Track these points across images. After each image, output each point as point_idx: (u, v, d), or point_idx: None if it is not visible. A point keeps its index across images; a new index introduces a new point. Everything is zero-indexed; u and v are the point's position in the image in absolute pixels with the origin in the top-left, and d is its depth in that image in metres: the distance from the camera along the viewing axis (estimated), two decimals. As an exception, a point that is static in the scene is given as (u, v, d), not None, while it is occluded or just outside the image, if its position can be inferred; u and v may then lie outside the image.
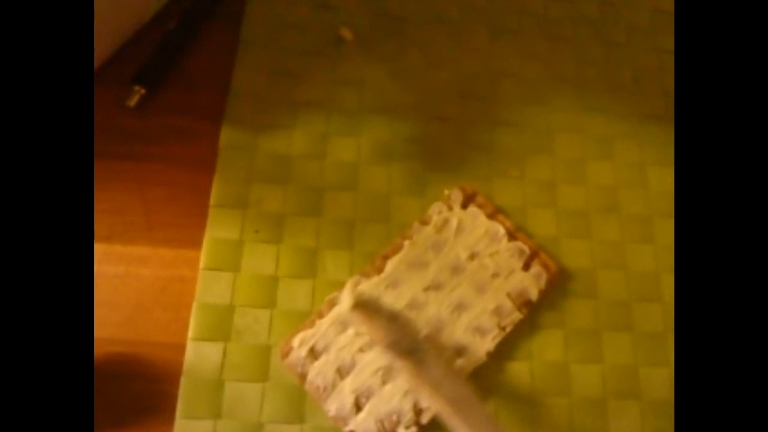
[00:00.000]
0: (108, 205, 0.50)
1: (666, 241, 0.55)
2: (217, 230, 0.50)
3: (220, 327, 0.47)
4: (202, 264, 0.49)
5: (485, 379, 0.47)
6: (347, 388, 0.45)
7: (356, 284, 0.48)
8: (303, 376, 0.45)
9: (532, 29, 0.63)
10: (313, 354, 0.46)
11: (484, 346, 0.47)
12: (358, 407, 0.45)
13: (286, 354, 0.46)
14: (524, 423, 0.47)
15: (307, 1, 0.60)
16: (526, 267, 0.50)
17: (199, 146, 0.53)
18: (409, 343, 0.42)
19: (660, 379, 0.50)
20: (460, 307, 0.48)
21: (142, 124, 0.53)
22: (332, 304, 0.48)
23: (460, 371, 0.46)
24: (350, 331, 0.47)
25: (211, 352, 0.46)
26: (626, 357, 0.50)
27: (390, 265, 0.49)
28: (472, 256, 0.50)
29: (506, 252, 0.51)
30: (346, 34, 0.59)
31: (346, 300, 0.41)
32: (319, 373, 0.45)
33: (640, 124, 0.60)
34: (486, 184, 0.54)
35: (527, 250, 0.51)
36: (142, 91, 0.53)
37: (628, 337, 0.51)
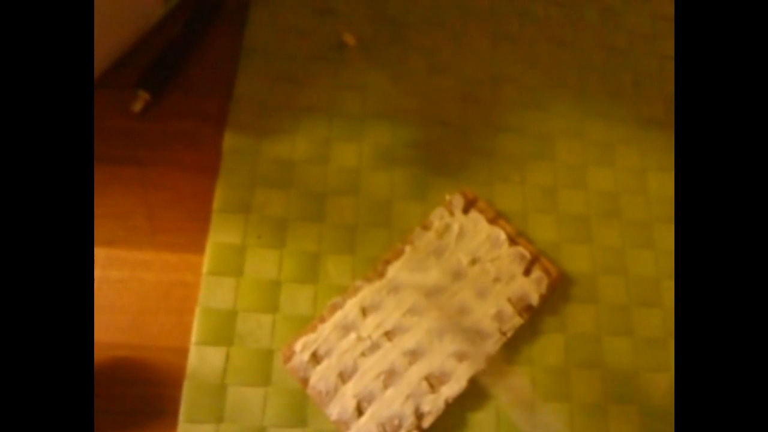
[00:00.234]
0: (111, 210, 0.50)
1: (666, 247, 0.55)
2: (220, 235, 0.50)
3: (223, 331, 0.47)
4: (205, 269, 0.49)
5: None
6: (349, 393, 0.45)
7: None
8: (305, 381, 0.46)
9: (533, 35, 0.63)
10: (315, 358, 0.46)
11: (485, 351, 0.48)
12: (359, 411, 0.45)
13: (288, 358, 0.46)
14: (526, 427, 0.48)
15: (310, 6, 0.61)
16: (527, 272, 0.51)
17: (202, 151, 0.53)
18: None
19: (660, 385, 0.50)
20: (461, 312, 0.49)
21: (146, 128, 0.53)
22: (334, 308, 0.48)
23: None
24: (352, 336, 0.47)
25: (214, 356, 0.47)
26: (626, 362, 0.50)
27: (392, 270, 0.49)
28: (474, 261, 0.50)
29: (507, 257, 0.51)
30: (349, 39, 0.59)
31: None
32: (321, 377, 0.46)
33: (640, 130, 0.60)
34: (487, 189, 0.55)
35: (528, 255, 0.51)
36: (146, 96, 0.53)
37: (628, 342, 0.51)
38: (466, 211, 0.52)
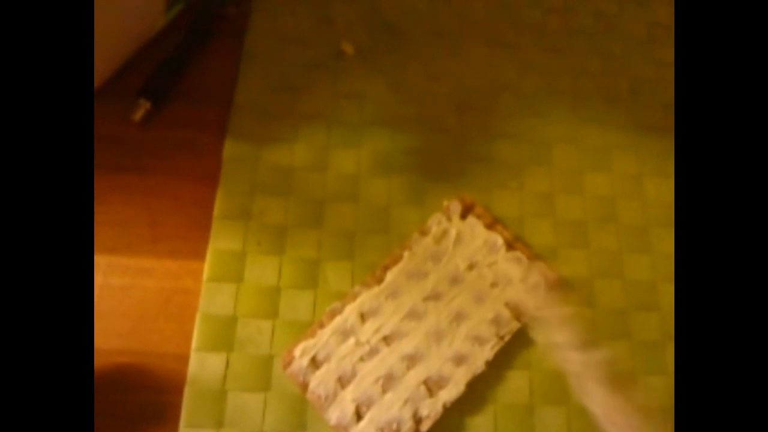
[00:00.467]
0: (113, 218, 0.51)
1: (663, 251, 0.55)
2: (221, 242, 0.51)
3: (223, 337, 0.48)
4: (205, 275, 0.50)
5: (484, 387, 0.48)
6: (348, 397, 0.46)
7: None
8: (305, 386, 0.46)
9: (529, 43, 0.64)
10: (315, 364, 0.47)
11: (483, 355, 0.48)
12: (358, 416, 0.45)
13: (287, 364, 0.47)
14: (523, 431, 0.48)
15: (309, 16, 0.61)
16: (524, 277, 0.51)
17: (203, 159, 0.54)
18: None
19: (657, 387, 0.50)
20: (459, 317, 0.49)
21: (147, 137, 0.54)
22: (333, 314, 0.48)
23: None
24: (351, 341, 0.47)
25: (215, 362, 0.47)
26: (624, 365, 0.51)
27: (390, 275, 0.50)
28: (471, 267, 0.51)
29: (504, 262, 0.51)
30: (347, 48, 0.60)
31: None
32: (320, 382, 0.46)
33: (637, 135, 0.60)
34: (484, 195, 0.55)
35: (525, 260, 0.51)
36: (148, 105, 0.54)
37: (625, 345, 0.51)
38: (463, 216, 0.53)
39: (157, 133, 0.54)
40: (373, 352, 0.47)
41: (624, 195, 0.57)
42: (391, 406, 0.46)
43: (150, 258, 0.50)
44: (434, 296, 0.50)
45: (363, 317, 0.48)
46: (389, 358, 0.47)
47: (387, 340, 0.48)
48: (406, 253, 0.51)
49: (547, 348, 0.49)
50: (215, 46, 0.59)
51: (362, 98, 0.58)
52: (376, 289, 0.49)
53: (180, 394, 0.46)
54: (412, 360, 0.47)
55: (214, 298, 0.49)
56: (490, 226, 0.53)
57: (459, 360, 0.48)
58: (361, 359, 0.47)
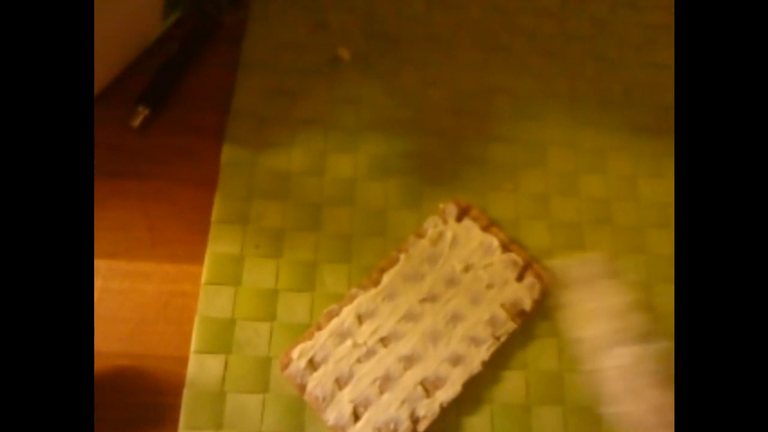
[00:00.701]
0: (112, 223, 0.52)
1: (657, 252, 0.56)
2: (219, 245, 0.51)
3: (222, 340, 0.48)
4: (203, 279, 0.50)
5: (481, 387, 0.49)
6: (346, 398, 0.46)
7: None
8: (302, 387, 0.47)
9: (524, 47, 0.64)
10: (312, 365, 0.47)
11: (479, 355, 0.48)
12: (356, 416, 0.46)
13: (285, 365, 0.47)
14: (519, 431, 0.48)
15: (305, 23, 0.62)
16: (520, 278, 0.51)
17: (201, 164, 0.55)
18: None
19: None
20: (455, 318, 0.50)
21: (146, 143, 0.55)
22: (330, 316, 0.49)
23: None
24: (348, 343, 0.48)
25: (213, 364, 0.48)
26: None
27: (386, 277, 0.50)
28: (467, 268, 0.51)
29: (500, 263, 0.52)
30: (344, 53, 0.61)
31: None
32: (318, 383, 0.46)
33: (631, 137, 0.61)
34: (480, 198, 0.56)
35: (521, 262, 0.52)
36: (146, 111, 0.55)
37: (621, 345, 0.52)
38: (459, 219, 0.53)
39: (155, 139, 0.55)
40: (370, 353, 0.48)
41: (619, 196, 0.58)
42: (389, 407, 0.46)
43: (149, 262, 0.51)
44: (431, 298, 0.50)
45: (360, 319, 0.49)
46: (386, 359, 0.48)
47: (384, 341, 0.48)
48: (402, 256, 0.51)
49: (573, 343, 0.49)
50: (212, 53, 0.60)
51: (358, 103, 0.59)
52: (372, 291, 0.50)
53: (179, 395, 0.46)
54: (409, 361, 0.48)
55: (212, 301, 0.49)
56: (485, 229, 0.53)
57: (455, 360, 0.48)
58: (359, 360, 0.47)
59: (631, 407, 0.45)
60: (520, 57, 0.64)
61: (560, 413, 0.49)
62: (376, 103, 0.59)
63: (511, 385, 0.49)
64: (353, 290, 0.50)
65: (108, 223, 0.51)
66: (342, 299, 0.50)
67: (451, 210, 0.54)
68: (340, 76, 0.60)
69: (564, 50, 0.65)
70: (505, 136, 0.59)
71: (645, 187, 0.59)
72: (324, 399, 0.46)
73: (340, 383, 0.47)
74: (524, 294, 0.51)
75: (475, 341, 0.49)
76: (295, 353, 0.47)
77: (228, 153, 0.55)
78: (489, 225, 0.53)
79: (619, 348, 0.46)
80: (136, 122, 0.55)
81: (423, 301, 0.50)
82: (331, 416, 0.46)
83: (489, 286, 0.51)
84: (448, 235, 0.53)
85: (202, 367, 0.47)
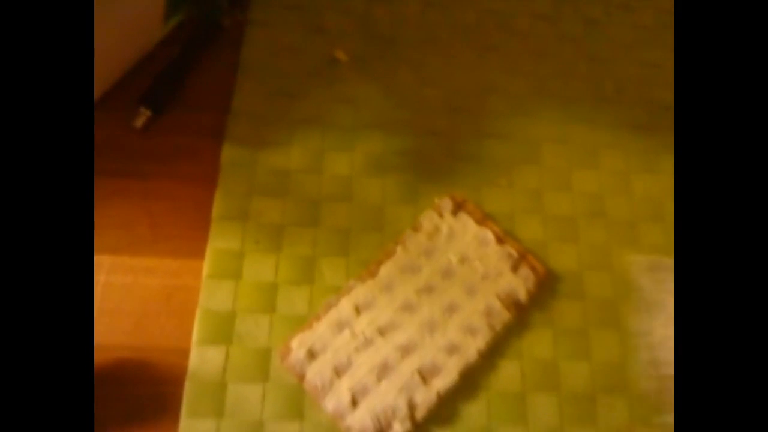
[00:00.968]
0: (116, 220, 0.53)
1: (650, 244, 0.57)
2: (220, 241, 0.53)
3: (223, 332, 0.49)
4: (205, 273, 0.51)
5: (477, 376, 0.49)
6: (344, 386, 0.47)
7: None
8: (302, 376, 0.47)
9: (517, 47, 0.66)
10: (311, 355, 0.48)
11: (475, 344, 0.49)
12: (354, 404, 0.47)
13: (285, 355, 0.48)
14: (515, 418, 0.49)
15: (303, 26, 0.64)
16: (514, 269, 0.52)
17: (202, 163, 0.56)
18: None
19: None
20: (451, 309, 0.51)
21: (148, 143, 0.56)
22: (329, 307, 0.50)
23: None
24: (346, 332, 0.49)
25: (214, 355, 0.49)
26: (613, 354, 0.52)
27: (384, 269, 0.51)
28: (463, 260, 0.52)
29: (495, 255, 0.53)
30: (341, 55, 0.62)
31: None
32: (317, 372, 0.47)
33: (624, 134, 0.62)
34: (475, 194, 0.57)
35: (515, 254, 0.53)
36: (148, 112, 0.56)
37: (614, 334, 0.53)
38: (455, 213, 0.55)
39: (157, 139, 0.57)
40: (367, 342, 0.49)
41: (611, 191, 0.59)
42: (386, 395, 0.47)
43: (151, 257, 0.52)
44: (427, 289, 0.51)
45: (358, 309, 0.50)
46: (384, 348, 0.48)
47: (381, 331, 0.49)
48: (399, 248, 0.52)
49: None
50: (213, 56, 0.61)
51: (356, 103, 0.60)
52: (370, 283, 0.51)
53: (181, 386, 0.47)
54: (405, 350, 0.49)
55: (213, 295, 0.51)
56: (480, 222, 0.54)
57: (452, 350, 0.49)
58: (357, 350, 0.48)
59: None
60: (514, 57, 0.65)
61: (555, 401, 0.50)
62: (372, 102, 0.61)
63: (507, 373, 0.50)
64: (351, 282, 0.51)
65: (112, 221, 0.53)
66: (340, 291, 0.51)
67: (447, 204, 0.55)
68: (337, 77, 0.62)
69: (557, 50, 0.66)
70: (500, 133, 0.61)
71: (637, 182, 0.60)
72: (323, 387, 0.47)
73: (338, 372, 0.48)
74: (519, 285, 0.52)
75: (470, 331, 0.50)
76: (295, 343, 0.48)
77: (228, 152, 0.56)
78: (484, 218, 0.55)
79: None
80: (139, 123, 0.56)
81: (419, 292, 0.51)
82: (330, 404, 0.47)
83: (484, 277, 0.52)
84: (444, 228, 0.54)
85: (203, 359, 0.48)
